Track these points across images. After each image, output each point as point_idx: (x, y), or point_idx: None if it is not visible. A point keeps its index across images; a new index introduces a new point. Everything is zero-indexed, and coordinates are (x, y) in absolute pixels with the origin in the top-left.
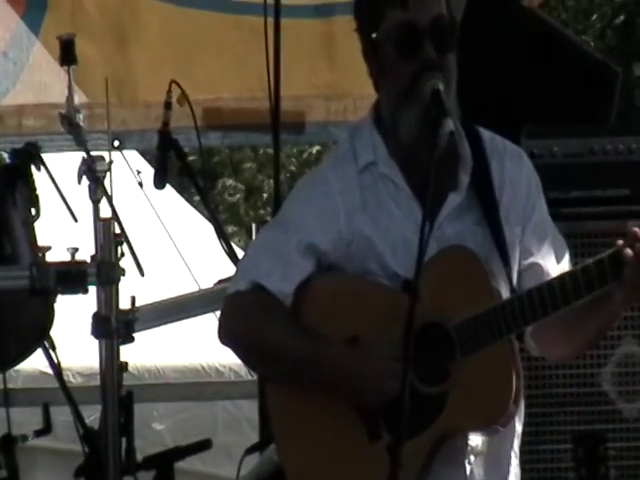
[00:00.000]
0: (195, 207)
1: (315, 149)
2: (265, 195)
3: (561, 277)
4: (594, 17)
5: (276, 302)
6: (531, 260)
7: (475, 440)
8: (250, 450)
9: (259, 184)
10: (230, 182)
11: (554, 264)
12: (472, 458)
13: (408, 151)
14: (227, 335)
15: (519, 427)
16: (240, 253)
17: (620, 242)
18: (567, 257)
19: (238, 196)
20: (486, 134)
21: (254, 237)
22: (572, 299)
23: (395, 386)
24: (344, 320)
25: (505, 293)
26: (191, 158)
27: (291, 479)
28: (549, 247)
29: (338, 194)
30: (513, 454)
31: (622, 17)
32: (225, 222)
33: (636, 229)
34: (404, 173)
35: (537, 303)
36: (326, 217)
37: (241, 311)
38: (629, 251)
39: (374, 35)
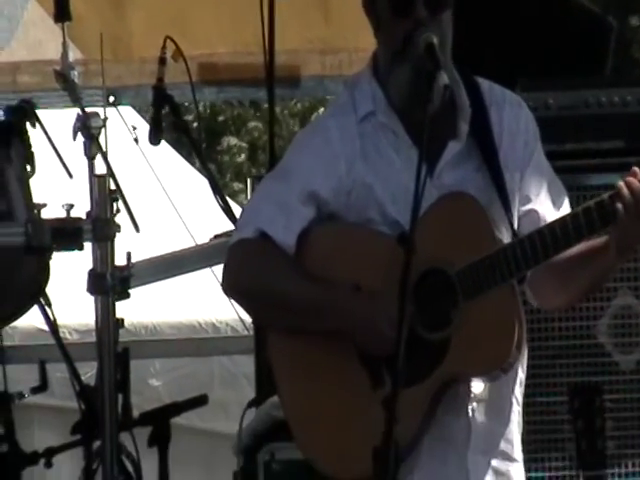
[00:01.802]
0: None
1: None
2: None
3: (562, 219)
4: None
5: (281, 249)
6: (528, 207)
7: (477, 387)
8: (251, 404)
9: (263, 144)
10: (235, 142)
11: (551, 211)
12: (475, 405)
13: (401, 105)
14: (234, 283)
15: (522, 374)
16: (238, 208)
17: (621, 182)
18: (566, 203)
19: (243, 155)
20: (485, 83)
21: (249, 191)
22: (573, 240)
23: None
24: (345, 269)
25: (506, 238)
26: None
27: (294, 428)
28: (546, 194)
29: (338, 142)
30: (515, 401)
31: None
32: (230, 180)
33: (636, 168)
34: (404, 122)
35: (539, 245)
36: (327, 164)
37: (248, 258)
38: (626, 191)
39: None
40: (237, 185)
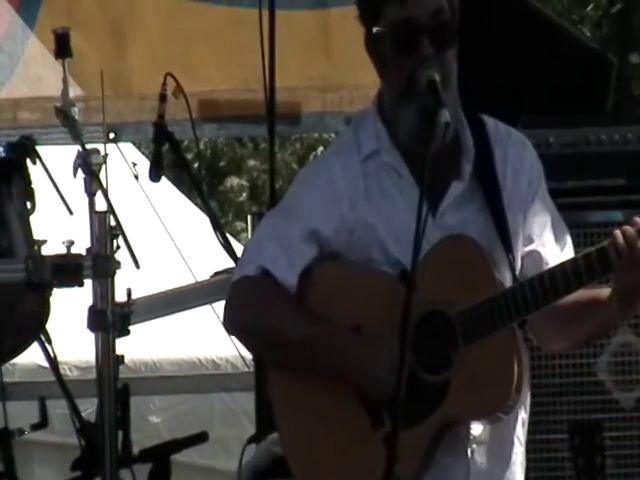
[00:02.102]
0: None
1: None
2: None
3: (562, 265)
4: (590, 7)
5: (283, 288)
6: (531, 247)
7: (477, 429)
8: (251, 440)
9: (263, 183)
10: (237, 181)
11: (554, 251)
12: (474, 447)
13: (409, 145)
14: (235, 321)
15: (524, 415)
16: (239, 246)
17: (617, 230)
18: (569, 243)
19: (244, 194)
20: (490, 122)
21: (250, 228)
22: (573, 286)
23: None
24: (346, 309)
25: (508, 280)
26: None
27: (294, 465)
28: (549, 234)
29: (341, 180)
30: (517, 442)
31: (618, 6)
32: (232, 219)
33: (637, 218)
34: (407, 163)
35: (539, 291)
36: (329, 203)
37: (250, 296)
38: (621, 240)
39: (374, 29)
40: (240, 224)
